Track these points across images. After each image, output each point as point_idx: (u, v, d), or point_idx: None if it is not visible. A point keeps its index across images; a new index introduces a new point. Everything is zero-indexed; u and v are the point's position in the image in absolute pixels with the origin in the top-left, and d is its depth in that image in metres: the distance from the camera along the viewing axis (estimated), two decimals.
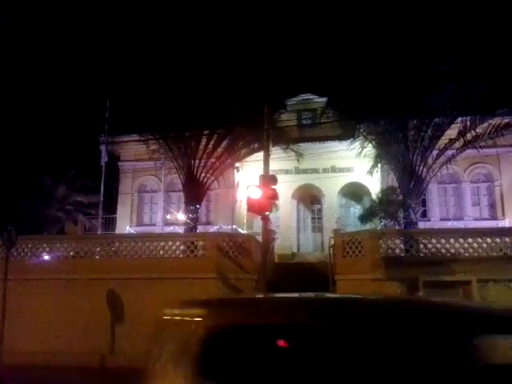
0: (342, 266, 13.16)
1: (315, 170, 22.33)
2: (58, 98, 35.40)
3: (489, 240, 12.60)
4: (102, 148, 23.14)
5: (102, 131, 23.25)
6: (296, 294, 3.74)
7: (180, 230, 18.85)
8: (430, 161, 16.20)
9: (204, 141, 17.96)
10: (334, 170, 22.18)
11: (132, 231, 21.98)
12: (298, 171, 22.23)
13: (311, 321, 2.78)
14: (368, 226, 17.55)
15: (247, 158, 19.70)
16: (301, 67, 32.28)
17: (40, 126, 30.81)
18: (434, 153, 16.38)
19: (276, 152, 16.71)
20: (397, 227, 15.89)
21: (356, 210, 22.31)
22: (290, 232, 22.37)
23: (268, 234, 12.11)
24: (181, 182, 18.58)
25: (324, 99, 22.39)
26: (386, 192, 16.95)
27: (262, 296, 5.52)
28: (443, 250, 12.46)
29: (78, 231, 25.24)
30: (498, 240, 12.61)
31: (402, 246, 12.79)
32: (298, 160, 20.50)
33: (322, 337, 2.69)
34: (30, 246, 14.37)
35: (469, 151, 17.00)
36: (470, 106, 15.47)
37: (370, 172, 19.19)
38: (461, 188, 21.21)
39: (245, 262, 13.56)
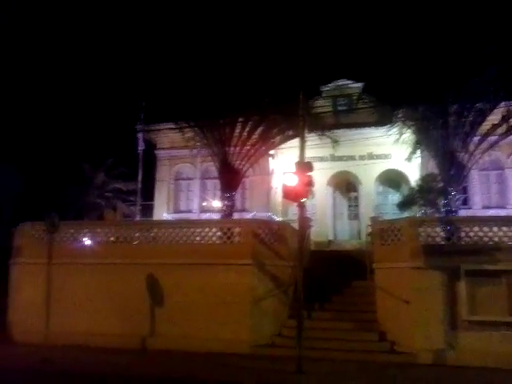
0: (380, 254, 12.97)
1: (351, 157, 22.06)
2: (98, 88, 36.12)
3: None
4: (139, 136, 23.58)
5: (139, 120, 23.67)
6: None
7: (216, 216, 19.01)
8: (471, 147, 15.69)
9: (239, 128, 17.95)
10: (370, 156, 21.86)
11: (169, 218, 22.33)
12: (333, 158, 21.99)
13: None
14: (406, 214, 17.23)
15: (282, 146, 19.57)
16: (336, 53, 31.73)
17: (81, 116, 31.61)
18: (476, 139, 15.84)
19: (311, 139, 16.49)
20: (437, 215, 15.54)
21: (394, 197, 21.95)
22: (326, 219, 22.24)
23: (304, 221, 12.00)
24: (216, 169, 18.69)
25: (360, 85, 22.01)
26: (426, 179, 16.56)
27: None
28: (486, 239, 12.07)
29: (116, 217, 25.88)
30: None
31: (442, 233, 12.46)
32: (333, 147, 20.22)
33: None
34: (72, 231, 14.75)
35: None
36: None
37: (409, 159, 18.73)
38: (504, 175, 20.52)
39: (280, 248, 13.56)
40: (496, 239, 12.03)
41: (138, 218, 23.01)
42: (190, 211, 23.65)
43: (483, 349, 11.12)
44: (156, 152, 24.63)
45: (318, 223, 20.68)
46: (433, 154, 16.53)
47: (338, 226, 22.96)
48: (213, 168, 20.13)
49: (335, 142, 20.08)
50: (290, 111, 15.28)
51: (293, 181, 10.86)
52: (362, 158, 21.97)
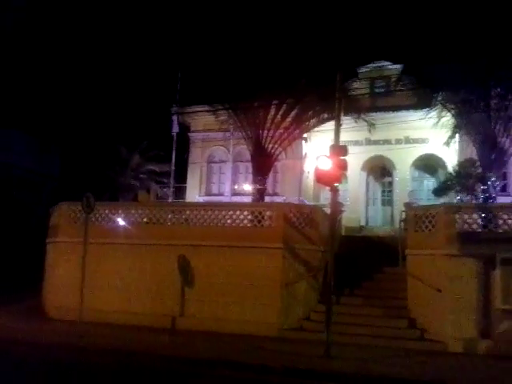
0: (414, 240, 12.69)
1: (387, 141, 21.59)
2: (134, 70, 36.53)
3: None
4: (174, 118, 23.77)
5: (174, 102, 23.82)
6: None
7: (247, 200, 19.04)
8: None
9: (273, 111, 17.80)
10: (407, 140, 21.35)
11: (201, 200, 22.54)
12: (368, 142, 21.58)
13: None
14: (442, 200, 16.78)
15: (316, 129, 19.34)
16: (375, 33, 30.84)
17: (117, 99, 32.10)
18: None
19: (347, 122, 16.20)
20: (474, 202, 15.06)
21: (429, 183, 21.43)
22: (358, 205, 21.95)
23: (336, 206, 11.85)
24: (249, 152, 18.66)
25: (399, 66, 21.37)
26: (464, 164, 16.07)
27: None
28: None
29: (150, 199, 26.31)
30: None
31: (479, 221, 12.06)
32: (369, 130, 19.78)
33: None
34: (107, 211, 15.06)
35: None
36: None
37: (447, 143, 18.16)
38: None
39: (311, 233, 13.46)
40: None
41: (171, 199, 23.31)
42: (221, 194, 23.80)
43: None
44: (190, 134, 24.80)
45: (350, 208, 20.40)
46: (472, 139, 16.00)
47: (371, 212, 22.63)
48: (245, 151, 20.11)
49: (371, 125, 19.62)
50: (325, 93, 15.06)
51: (327, 164, 10.68)
52: (398, 142, 21.48)
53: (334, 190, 11.03)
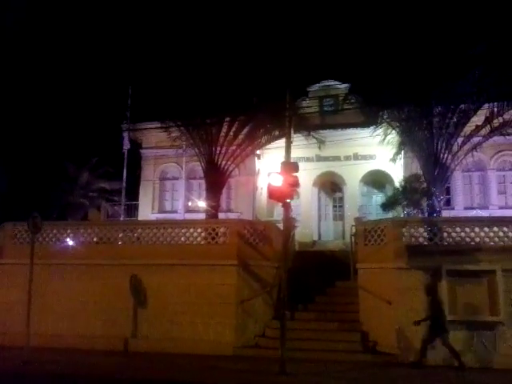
0: (364, 254, 13.04)
1: (337, 158, 22.15)
2: (82, 86, 35.73)
3: None
4: (125, 135, 23.34)
5: (125, 118, 23.46)
6: None
7: (201, 217, 18.94)
8: (455, 148, 15.87)
9: (225, 128, 17.91)
10: (356, 157, 21.96)
11: (154, 218, 22.19)
12: (319, 159, 22.06)
13: None
14: (390, 215, 17.37)
15: (268, 146, 19.58)
16: (323, 53, 31.85)
17: (65, 114, 31.23)
18: (460, 140, 16.03)
19: (297, 139, 16.53)
20: (420, 215, 15.66)
21: (378, 198, 22.08)
22: (310, 220, 22.29)
23: (289, 222, 12.01)
24: (202, 169, 18.60)
25: (346, 85, 22.08)
26: (410, 180, 16.67)
27: None
28: (467, 239, 12.20)
29: (100, 217, 25.64)
30: None
31: (425, 234, 12.57)
32: (319, 147, 20.31)
33: None
34: (54, 231, 14.58)
35: (495, 138, 16.65)
36: (498, 91, 15.01)
37: (393, 159, 18.90)
38: (486, 176, 20.75)
39: (265, 249, 13.55)
40: (477, 240, 12.17)
41: (122, 217, 22.81)
42: (175, 211, 23.55)
43: (464, 349, 11.25)
44: (141, 151, 24.46)
45: (302, 224, 20.78)
46: (417, 155, 16.65)
47: (323, 227, 23.02)
48: (198, 168, 20.05)
49: (321, 142, 20.21)
50: (276, 111, 15.32)
51: (278, 181, 10.86)
52: (347, 158, 22.06)
53: (287, 206, 11.21)
